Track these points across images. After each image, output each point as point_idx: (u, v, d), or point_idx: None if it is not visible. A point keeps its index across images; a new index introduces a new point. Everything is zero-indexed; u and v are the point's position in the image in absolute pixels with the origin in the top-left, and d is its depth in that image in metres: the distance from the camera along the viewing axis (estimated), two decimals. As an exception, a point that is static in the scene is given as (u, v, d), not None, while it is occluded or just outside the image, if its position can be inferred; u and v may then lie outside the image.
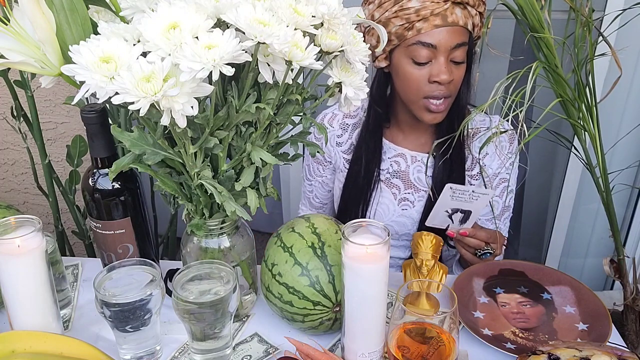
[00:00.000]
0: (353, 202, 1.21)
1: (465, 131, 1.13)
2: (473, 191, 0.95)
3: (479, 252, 1.02)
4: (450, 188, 0.95)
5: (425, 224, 1.06)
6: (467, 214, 0.98)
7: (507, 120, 0.95)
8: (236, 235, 0.87)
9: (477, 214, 0.98)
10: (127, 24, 0.67)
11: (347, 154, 1.22)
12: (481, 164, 1.14)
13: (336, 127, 1.23)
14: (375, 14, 1.02)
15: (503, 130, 1.13)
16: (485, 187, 1.15)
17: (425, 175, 1.15)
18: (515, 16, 1.09)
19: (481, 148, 1.09)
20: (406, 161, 1.18)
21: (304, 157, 1.34)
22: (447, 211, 0.99)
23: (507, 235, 1.23)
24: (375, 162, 1.18)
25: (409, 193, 1.17)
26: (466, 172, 1.15)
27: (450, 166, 1.11)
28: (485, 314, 0.92)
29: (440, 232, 1.01)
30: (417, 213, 1.17)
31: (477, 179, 1.16)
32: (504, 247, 1.23)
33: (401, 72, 1.05)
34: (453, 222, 1.00)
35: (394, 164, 1.18)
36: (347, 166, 1.21)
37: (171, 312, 0.78)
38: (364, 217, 1.19)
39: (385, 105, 1.16)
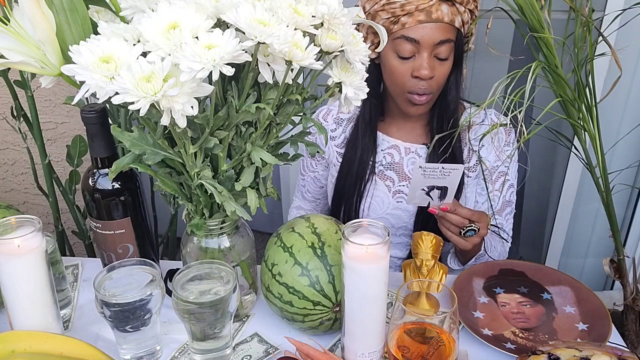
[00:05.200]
0: (347, 195, 1.20)
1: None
2: (443, 167, 0.95)
3: (463, 230, 1.01)
4: (420, 167, 0.96)
5: (406, 202, 1.07)
6: (444, 190, 0.99)
7: (506, 124, 0.95)
8: (236, 235, 0.87)
9: (453, 189, 0.98)
10: (127, 24, 0.66)
11: (340, 148, 1.23)
12: (479, 154, 1.14)
13: (330, 121, 1.24)
14: (366, 5, 1.03)
15: (501, 123, 1.13)
16: (485, 181, 1.15)
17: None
18: (513, 20, 1.10)
19: (481, 139, 1.09)
20: (400, 153, 1.18)
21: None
22: (423, 189, 0.99)
23: (511, 233, 1.22)
24: (370, 152, 1.18)
25: (403, 185, 1.18)
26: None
27: (443, 159, 1.11)
28: (485, 314, 0.92)
29: (437, 231, 1.01)
30: (412, 205, 1.17)
31: (474, 171, 1.16)
32: (509, 245, 1.22)
33: (387, 65, 1.06)
34: (433, 199, 1.00)
35: (388, 156, 1.19)
36: (340, 160, 1.22)
37: (171, 312, 0.78)
38: (358, 210, 1.20)
39: (380, 97, 1.17)
